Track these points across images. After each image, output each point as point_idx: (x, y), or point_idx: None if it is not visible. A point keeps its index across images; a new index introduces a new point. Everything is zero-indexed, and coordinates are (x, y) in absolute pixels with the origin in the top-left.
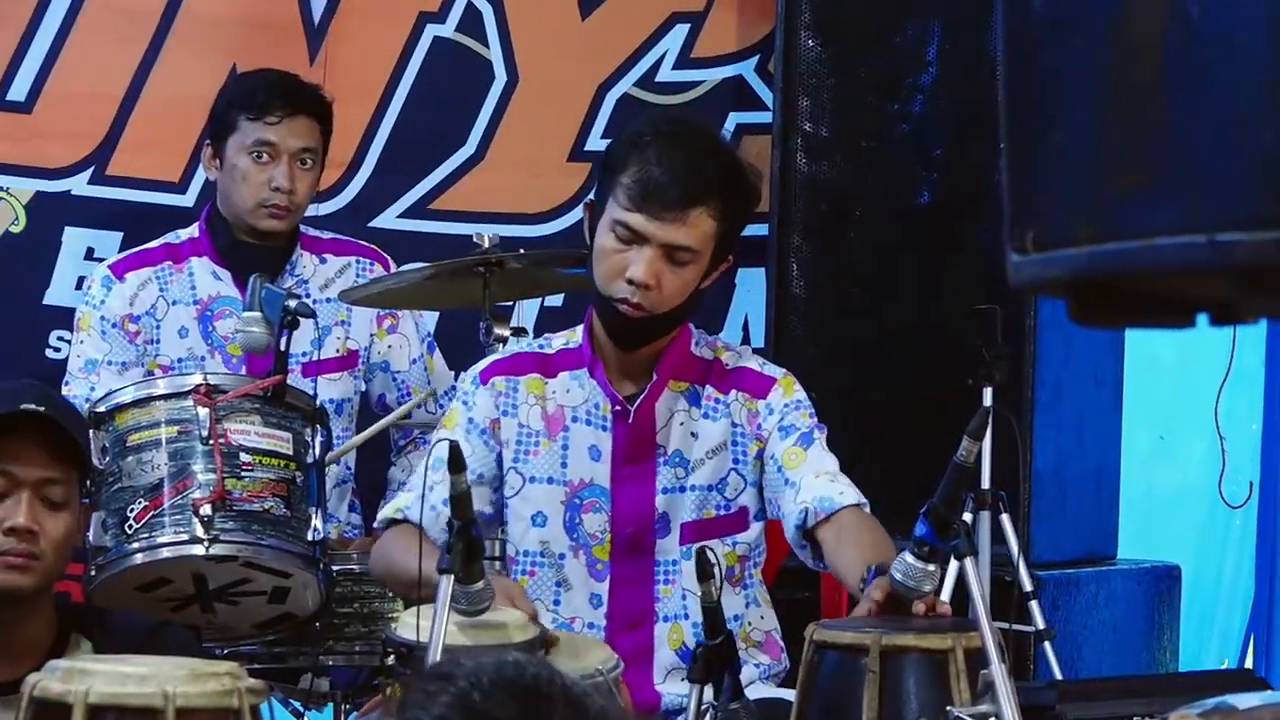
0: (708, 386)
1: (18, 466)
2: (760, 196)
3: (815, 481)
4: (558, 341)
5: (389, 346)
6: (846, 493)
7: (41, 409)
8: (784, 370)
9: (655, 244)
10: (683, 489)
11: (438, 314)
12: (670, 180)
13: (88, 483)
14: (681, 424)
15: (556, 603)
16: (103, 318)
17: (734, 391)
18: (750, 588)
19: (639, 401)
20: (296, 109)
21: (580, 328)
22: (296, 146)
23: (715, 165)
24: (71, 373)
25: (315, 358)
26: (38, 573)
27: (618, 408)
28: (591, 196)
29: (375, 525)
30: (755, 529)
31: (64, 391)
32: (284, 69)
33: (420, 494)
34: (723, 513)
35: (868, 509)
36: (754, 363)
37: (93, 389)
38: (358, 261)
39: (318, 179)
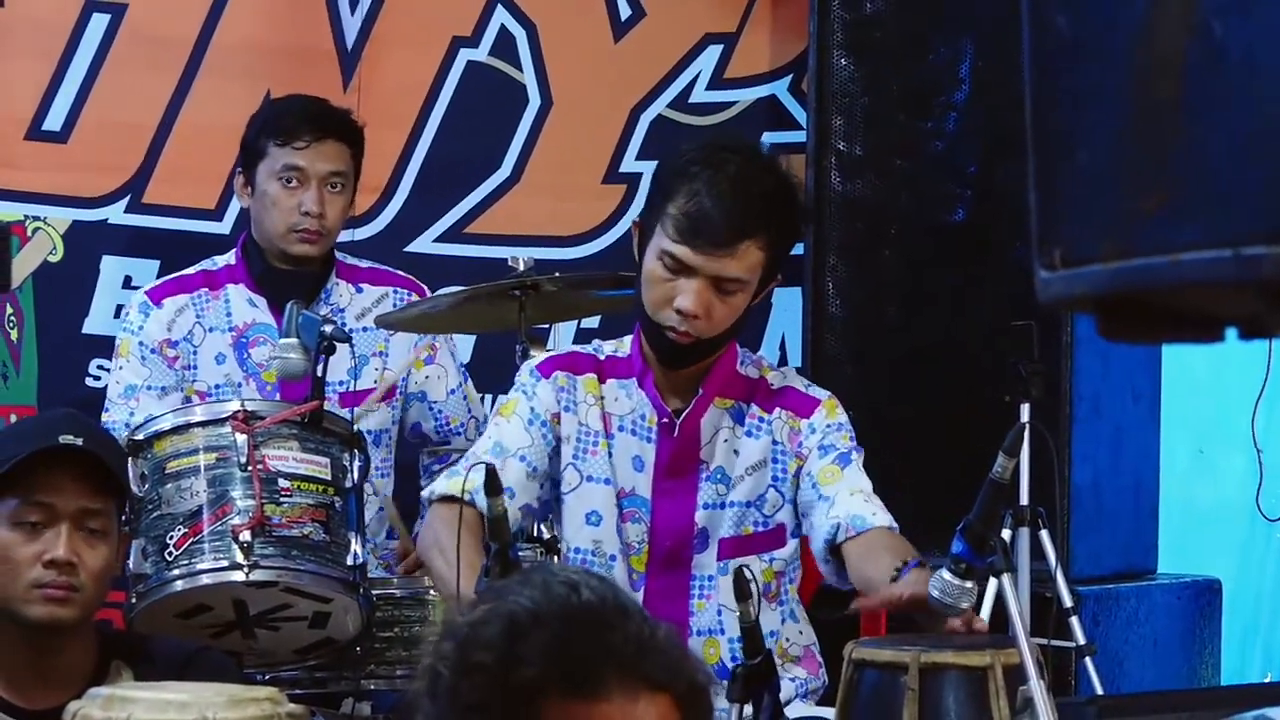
0: (753, 405)
1: (57, 498)
2: (810, 215)
3: (850, 499)
4: (607, 348)
5: (426, 377)
6: (879, 515)
7: (79, 441)
8: (829, 393)
9: (703, 276)
10: (723, 505)
11: (474, 338)
12: (718, 215)
13: (126, 511)
14: (725, 440)
15: None
16: (141, 343)
17: (778, 409)
18: (786, 603)
19: (685, 416)
20: (324, 133)
21: (629, 338)
22: (325, 170)
23: (763, 196)
24: (111, 399)
25: (352, 388)
26: (78, 604)
27: (664, 420)
28: (638, 217)
29: (425, 495)
30: (792, 545)
31: (104, 418)
32: (317, 95)
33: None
34: (761, 529)
35: (897, 532)
36: (799, 383)
37: (132, 414)
38: (395, 292)
39: (349, 203)
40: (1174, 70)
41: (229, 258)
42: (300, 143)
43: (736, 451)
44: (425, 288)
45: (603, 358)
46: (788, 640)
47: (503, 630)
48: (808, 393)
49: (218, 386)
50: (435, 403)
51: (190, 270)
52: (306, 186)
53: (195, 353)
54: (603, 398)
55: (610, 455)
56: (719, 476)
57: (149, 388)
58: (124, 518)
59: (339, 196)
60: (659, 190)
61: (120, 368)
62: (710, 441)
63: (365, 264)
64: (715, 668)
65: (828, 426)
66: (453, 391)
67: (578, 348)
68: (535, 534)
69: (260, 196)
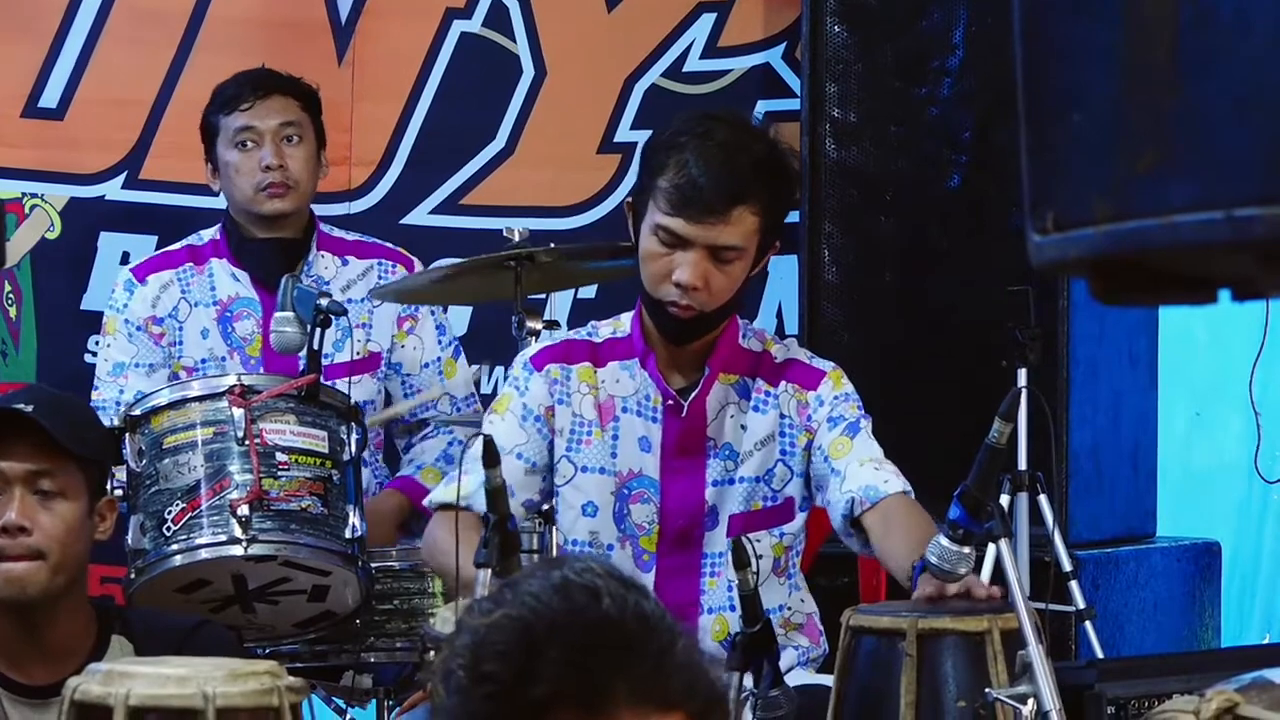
0: (758, 379)
1: (5, 463)
2: (801, 182)
3: (860, 470)
4: (604, 330)
5: (403, 348)
6: (891, 480)
7: (29, 409)
8: (833, 364)
9: (699, 246)
10: (731, 481)
11: (470, 310)
12: (708, 182)
13: (114, 478)
14: (732, 417)
15: None
16: (127, 320)
17: (784, 383)
18: (793, 576)
19: (692, 397)
20: (268, 91)
21: (627, 316)
22: (275, 123)
23: (752, 161)
24: (100, 377)
25: (333, 359)
26: (46, 571)
27: (670, 402)
28: (629, 197)
29: (426, 503)
30: (800, 519)
31: (94, 396)
32: (311, 68)
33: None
34: (770, 504)
35: (912, 495)
36: (803, 355)
37: (122, 392)
38: (380, 264)
39: (314, 156)
40: (1167, 30)
41: (214, 232)
42: (245, 104)
43: (744, 427)
44: (414, 259)
45: (599, 341)
46: (790, 610)
47: (517, 640)
48: (812, 364)
49: (203, 361)
50: (409, 375)
51: (176, 246)
52: (261, 144)
53: (181, 328)
54: (598, 386)
55: (615, 439)
56: (727, 453)
57: (136, 365)
58: (110, 483)
59: (298, 149)
60: (647, 167)
61: (108, 345)
62: (717, 418)
63: (352, 236)
64: (724, 643)
65: (835, 398)
66: (426, 365)
67: (572, 334)
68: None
69: (224, 170)
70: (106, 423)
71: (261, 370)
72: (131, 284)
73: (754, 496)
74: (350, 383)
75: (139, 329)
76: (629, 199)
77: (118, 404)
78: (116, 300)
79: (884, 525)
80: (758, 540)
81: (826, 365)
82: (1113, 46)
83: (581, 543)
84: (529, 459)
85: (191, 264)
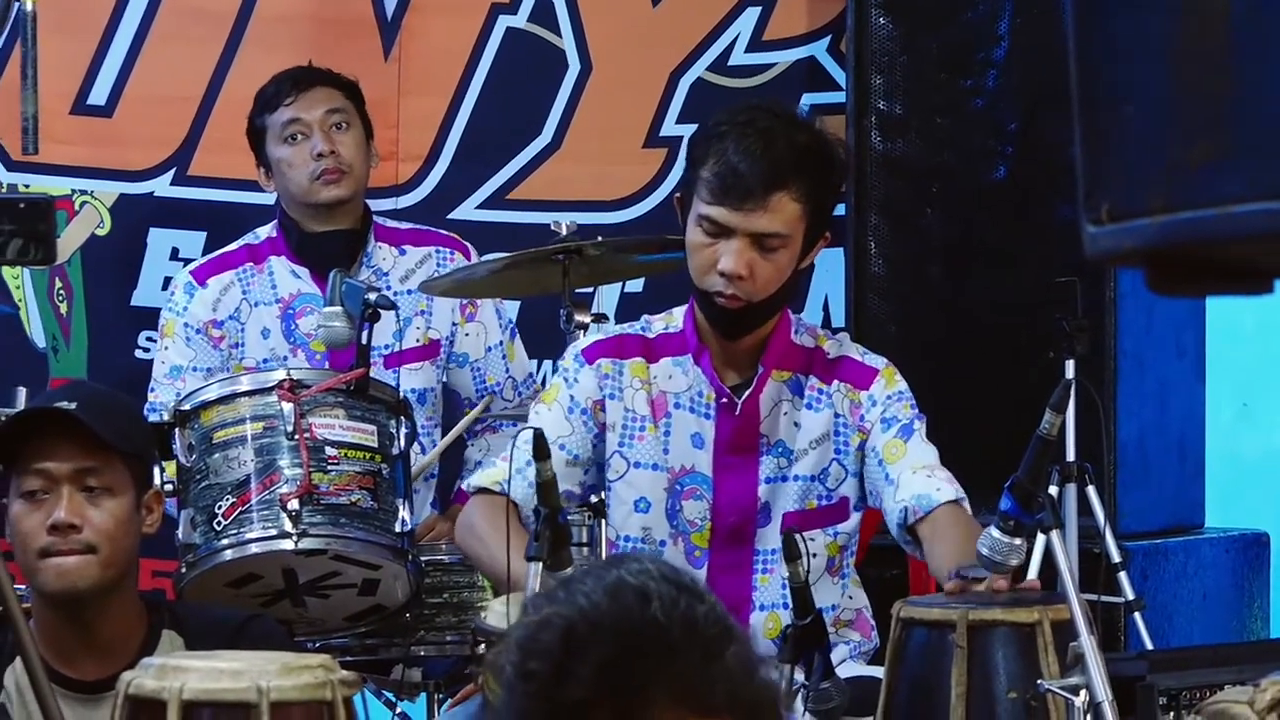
0: (811, 376)
1: (52, 463)
2: (848, 170)
3: (913, 478)
4: (657, 325)
5: (466, 335)
6: (944, 489)
7: (73, 406)
8: (885, 360)
9: (741, 234)
10: (784, 478)
11: (519, 303)
12: (747, 169)
13: (152, 470)
14: (785, 414)
15: None
16: (186, 324)
17: (836, 381)
18: (847, 575)
19: (746, 395)
20: (308, 84)
21: (679, 311)
22: (321, 111)
23: (792, 148)
24: (157, 379)
25: (397, 349)
26: (96, 565)
27: (724, 400)
28: (678, 192)
29: (464, 487)
30: (854, 518)
31: (150, 398)
32: (358, 65)
33: (514, 469)
34: (825, 503)
35: (965, 503)
36: (855, 351)
37: (179, 395)
38: (438, 251)
39: (363, 142)
40: (1221, 20)
41: (270, 230)
42: (288, 99)
43: (797, 424)
44: (469, 246)
45: (652, 336)
46: (841, 607)
47: (560, 639)
48: (864, 361)
49: (265, 361)
50: (476, 361)
51: (233, 246)
52: (310, 134)
53: (243, 329)
54: (650, 381)
55: (667, 435)
56: (780, 450)
57: (194, 369)
58: (160, 477)
59: (347, 134)
60: (691, 159)
61: (165, 348)
62: (770, 415)
63: (406, 225)
64: (776, 640)
65: (888, 397)
66: (490, 349)
67: (625, 328)
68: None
69: (276, 167)
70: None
71: (327, 365)
72: (191, 287)
73: (809, 495)
74: (410, 370)
75: (198, 332)
76: (677, 194)
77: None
78: (176, 303)
79: (933, 533)
80: (811, 539)
81: (879, 362)
82: (1166, 37)
83: (634, 539)
84: (572, 451)
85: (251, 263)
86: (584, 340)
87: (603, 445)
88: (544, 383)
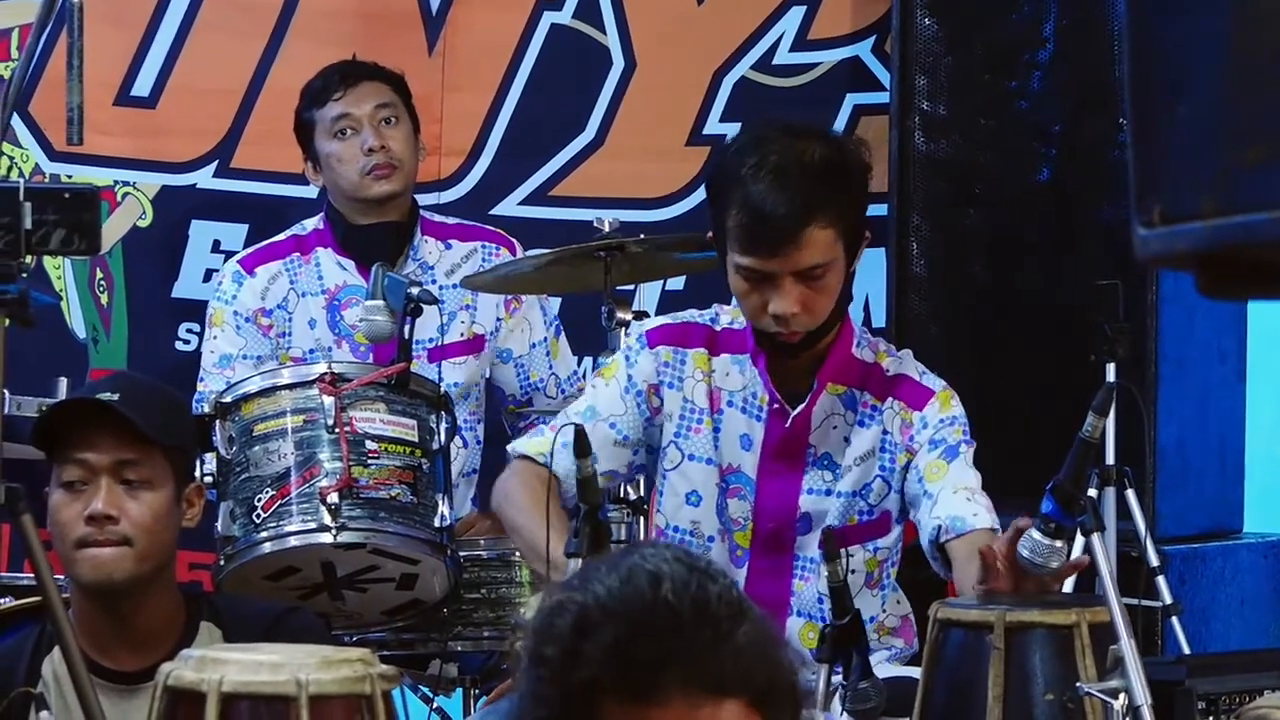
0: (865, 392)
1: (92, 453)
2: (870, 169)
3: (952, 498)
4: (724, 318)
5: (510, 331)
6: (981, 515)
7: (115, 397)
8: (944, 384)
9: (784, 275)
10: (828, 493)
11: (560, 300)
12: (771, 213)
13: (202, 466)
14: (835, 428)
15: None
16: (236, 312)
17: (890, 399)
18: (886, 588)
19: (799, 409)
20: (356, 79)
21: None
22: (370, 106)
23: (810, 175)
24: (206, 369)
25: (440, 343)
26: (132, 558)
27: (775, 405)
28: (710, 232)
29: (509, 449)
30: (896, 532)
31: (200, 388)
32: (402, 59)
33: (559, 444)
34: (866, 519)
35: (1000, 532)
36: (914, 370)
37: (229, 384)
38: (483, 246)
39: (412, 137)
40: (1275, 23)
41: (316, 221)
42: (337, 94)
43: (847, 439)
44: (515, 241)
45: (719, 329)
46: (885, 613)
47: (572, 624)
48: (922, 382)
49: (310, 352)
50: (520, 357)
51: (281, 236)
52: (359, 129)
53: (290, 319)
54: (712, 372)
55: (716, 431)
56: (826, 463)
57: (244, 357)
58: (200, 471)
59: (396, 129)
60: (714, 202)
61: (214, 338)
62: (820, 427)
63: (452, 220)
64: (814, 651)
65: (940, 421)
66: (534, 345)
67: (693, 315)
68: (621, 495)
69: (325, 162)
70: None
71: (371, 358)
72: (240, 275)
73: (850, 511)
74: (453, 364)
75: (248, 320)
76: (710, 234)
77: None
78: (225, 292)
79: (967, 555)
80: (851, 555)
81: (937, 384)
82: (1220, 39)
83: (683, 530)
84: (622, 431)
85: (298, 254)
86: (651, 321)
87: (654, 429)
88: (585, 377)
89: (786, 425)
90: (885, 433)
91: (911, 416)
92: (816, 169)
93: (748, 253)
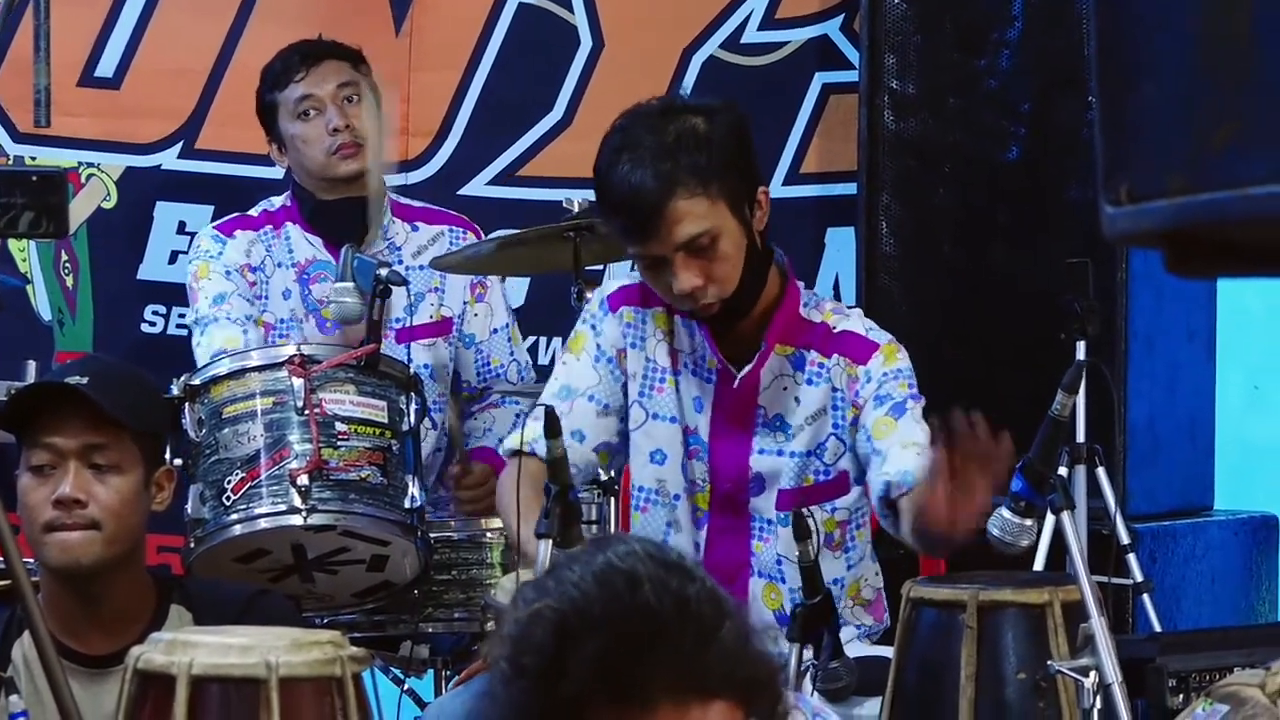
0: (812, 351)
1: (59, 437)
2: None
3: (902, 454)
4: None
5: (475, 315)
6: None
7: (84, 381)
8: (890, 337)
9: (671, 254)
10: (780, 453)
11: (528, 280)
12: (633, 199)
13: (171, 448)
14: (785, 389)
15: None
16: (225, 266)
17: (835, 355)
18: (853, 549)
19: (746, 371)
20: (317, 59)
21: None
22: (333, 86)
23: (657, 153)
24: (201, 312)
25: (408, 324)
26: (100, 542)
27: (721, 368)
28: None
29: (500, 452)
30: (855, 492)
31: (199, 338)
32: (368, 39)
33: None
34: (823, 478)
35: None
36: (860, 326)
37: (229, 317)
38: (450, 230)
39: (374, 111)
40: (1244, 2)
41: (284, 199)
42: (299, 75)
43: (797, 400)
44: (480, 229)
45: None
46: (864, 581)
47: (552, 634)
48: (867, 336)
49: (283, 320)
50: (481, 342)
51: (252, 211)
52: (323, 109)
53: (268, 283)
54: (671, 331)
55: (678, 392)
56: (777, 424)
57: (239, 295)
58: (168, 453)
59: (359, 107)
60: (598, 202)
61: (202, 288)
62: (770, 388)
63: (420, 204)
64: (776, 613)
65: (884, 374)
66: (495, 331)
67: None
68: (593, 476)
69: (290, 143)
70: (221, 336)
71: (337, 333)
72: (219, 237)
73: (805, 471)
74: (423, 346)
75: (235, 271)
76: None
77: (229, 318)
78: (208, 250)
79: (910, 507)
80: (810, 514)
81: (883, 338)
82: (1188, 17)
83: (648, 489)
84: (601, 400)
85: (270, 226)
86: (609, 285)
87: (628, 394)
88: (552, 362)
89: (734, 387)
90: (834, 389)
91: (856, 371)
92: (669, 143)
93: (629, 241)
